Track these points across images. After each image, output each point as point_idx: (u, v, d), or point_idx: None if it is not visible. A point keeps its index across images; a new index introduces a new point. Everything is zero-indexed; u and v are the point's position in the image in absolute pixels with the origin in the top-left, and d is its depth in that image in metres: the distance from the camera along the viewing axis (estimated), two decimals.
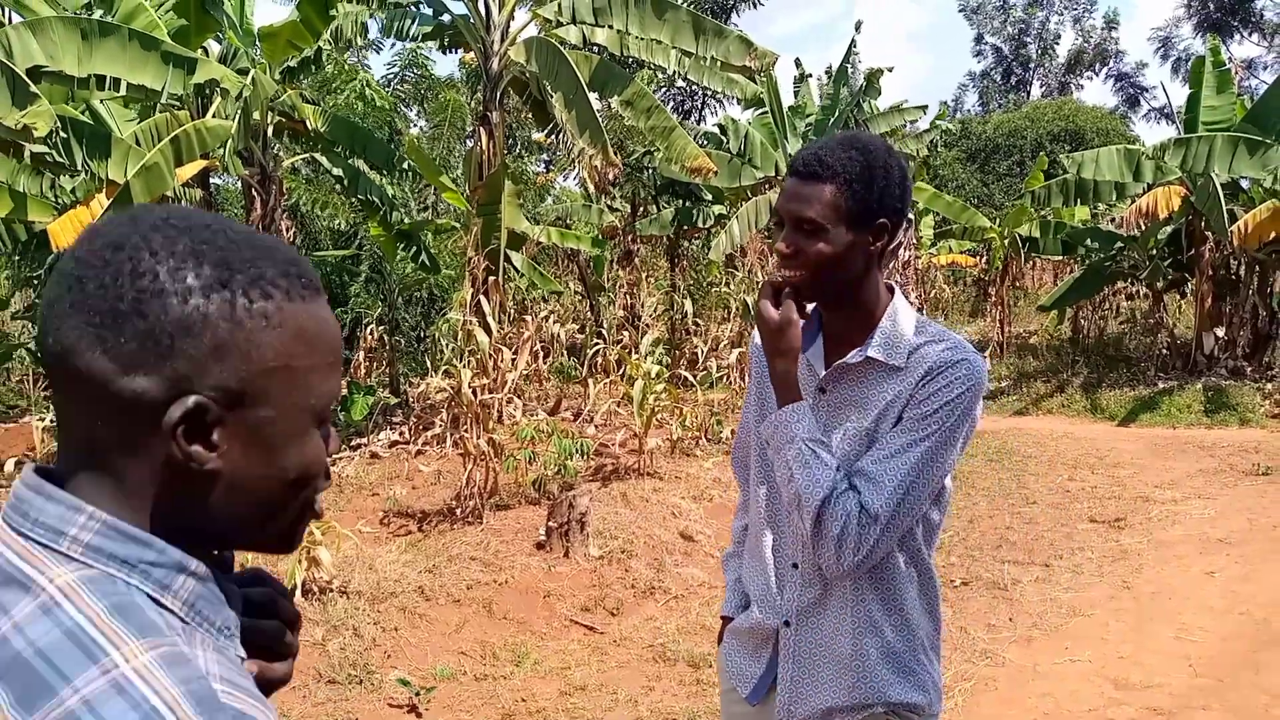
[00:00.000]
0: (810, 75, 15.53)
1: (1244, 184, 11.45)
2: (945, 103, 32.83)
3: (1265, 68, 31.30)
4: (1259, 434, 9.42)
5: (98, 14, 7.27)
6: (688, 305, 12.83)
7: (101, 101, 8.34)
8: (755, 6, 20.30)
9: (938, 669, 1.82)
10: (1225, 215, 10.24)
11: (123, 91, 7.07)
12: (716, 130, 13.62)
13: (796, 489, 1.65)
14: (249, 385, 0.75)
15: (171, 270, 0.72)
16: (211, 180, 9.55)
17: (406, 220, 10.48)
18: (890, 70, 13.87)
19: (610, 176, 9.80)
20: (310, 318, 0.78)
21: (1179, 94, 12.16)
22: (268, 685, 0.90)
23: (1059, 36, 39.07)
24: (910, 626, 1.76)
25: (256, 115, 8.24)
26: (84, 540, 0.72)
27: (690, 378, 9.74)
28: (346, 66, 12.45)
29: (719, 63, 8.80)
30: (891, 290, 1.77)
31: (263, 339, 0.75)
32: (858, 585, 1.74)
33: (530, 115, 11.31)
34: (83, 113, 7.97)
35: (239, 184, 10.04)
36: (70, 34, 6.61)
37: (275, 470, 0.78)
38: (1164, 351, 12.64)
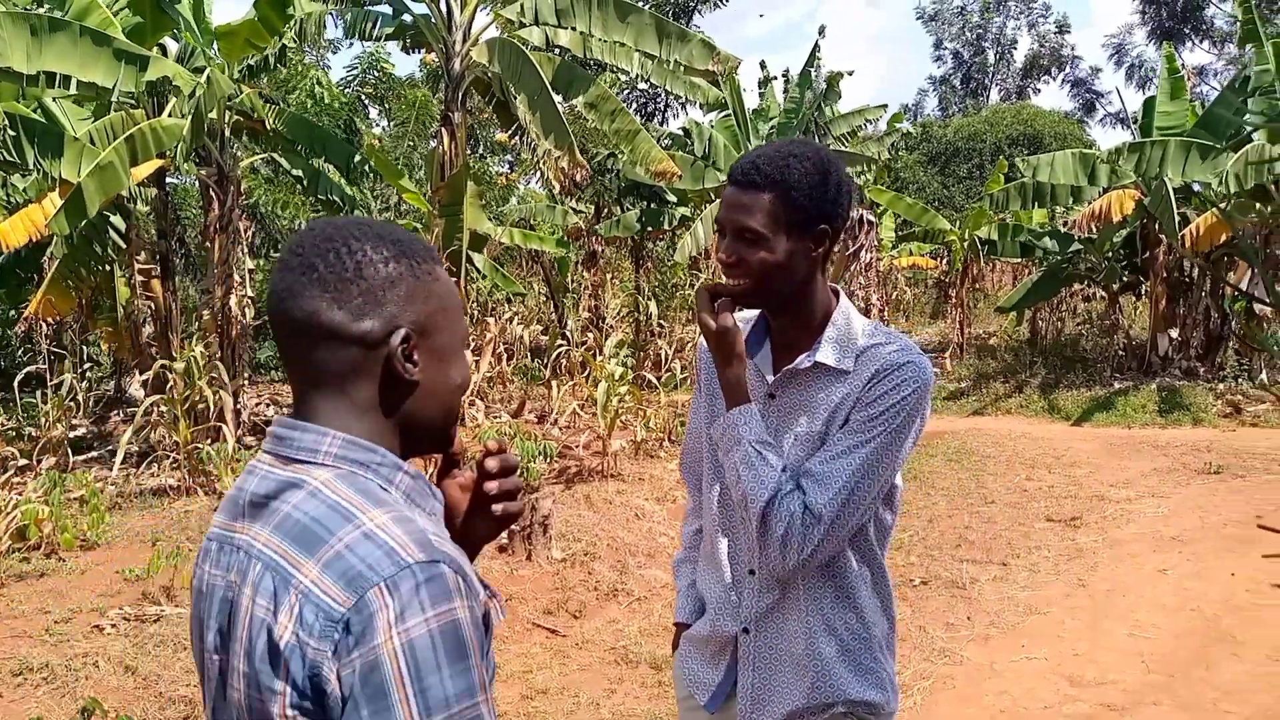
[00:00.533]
0: (774, 78, 15.62)
1: (1196, 188, 11.67)
2: (906, 105, 33.13)
3: (1216, 75, 31.95)
4: (1211, 433, 9.61)
5: (47, 9, 7.12)
6: (652, 307, 12.84)
7: (54, 100, 8.18)
8: (715, 7, 20.30)
9: (893, 667, 1.84)
10: (1177, 219, 10.43)
11: (73, 89, 6.93)
12: (680, 133, 13.64)
13: (743, 490, 1.67)
14: (429, 320, 1.09)
15: (373, 247, 1.07)
16: (168, 180, 9.39)
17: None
18: (851, 74, 13.98)
19: (576, 178, 9.80)
20: (446, 275, 1.14)
21: (1134, 99, 12.37)
22: (506, 519, 1.26)
23: (1015, 41, 39.65)
24: (866, 625, 1.77)
25: (214, 114, 8.13)
26: (333, 452, 1.04)
27: (654, 379, 9.75)
28: (301, 66, 12.31)
29: (682, 66, 8.81)
30: (837, 294, 1.78)
31: (431, 288, 1.10)
32: (813, 586, 1.75)
33: (494, 115, 11.28)
34: (35, 111, 7.82)
35: (196, 184, 9.89)
36: (19, 30, 6.47)
37: (448, 378, 1.12)
38: (1120, 353, 12.87)
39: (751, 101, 14.32)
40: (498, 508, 1.24)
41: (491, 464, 1.25)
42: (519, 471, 1.31)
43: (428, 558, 0.94)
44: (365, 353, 1.05)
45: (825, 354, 1.72)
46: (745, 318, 1.86)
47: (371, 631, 0.90)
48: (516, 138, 10.16)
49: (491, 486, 1.24)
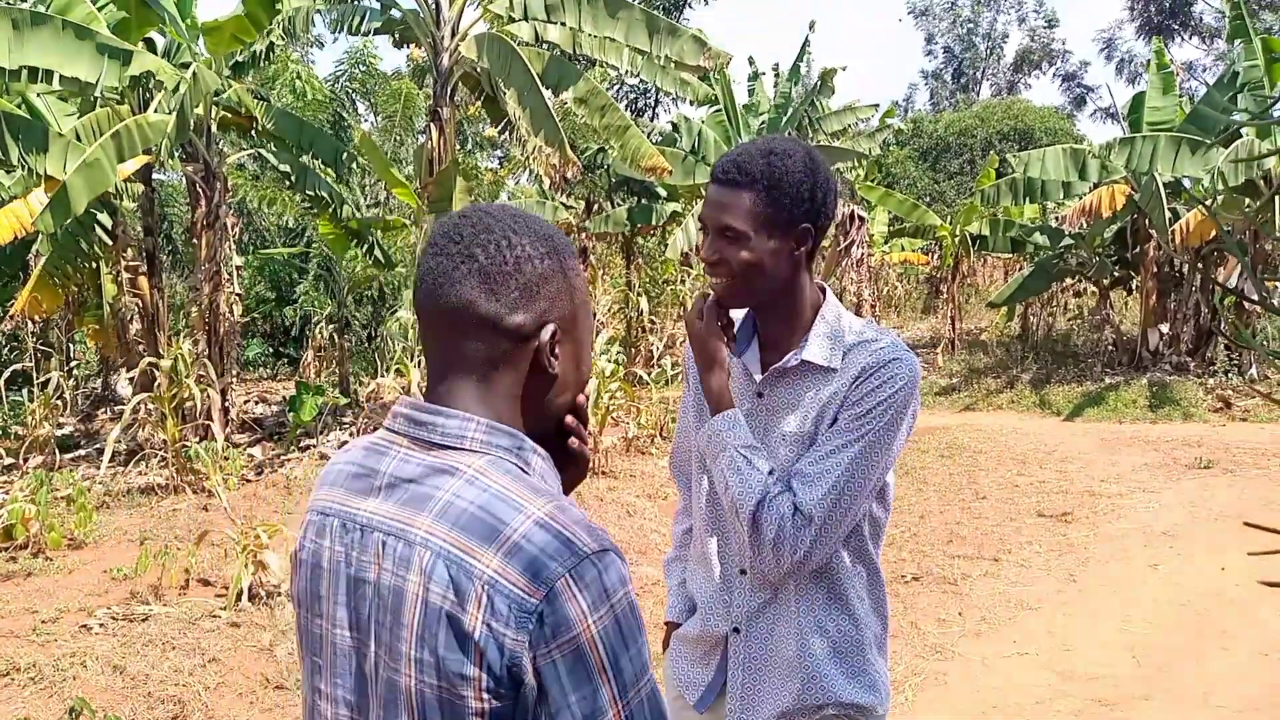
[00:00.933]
0: (764, 73, 15.59)
1: (1186, 183, 11.70)
2: (896, 101, 33.15)
3: (1204, 70, 32.06)
4: (1201, 428, 9.64)
5: (29, 3, 7.05)
6: (643, 303, 12.83)
7: (39, 96, 8.12)
8: (706, 3, 20.28)
9: (885, 668, 1.82)
10: (1168, 214, 10.46)
11: (56, 84, 6.87)
12: (670, 128, 13.62)
13: (732, 496, 1.66)
14: (573, 316, 1.14)
15: (529, 243, 1.10)
16: (154, 176, 9.33)
17: (356, 217, 10.34)
18: (843, 69, 13.97)
19: (567, 174, 9.76)
20: (584, 272, 1.19)
21: (1124, 94, 12.41)
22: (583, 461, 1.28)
23: (1006, 36, 39.73)
24: (858, 626, 1.76)
25: (199, 110, 8.07)
26: (479, 438, 1.07)
27: (645, 376, 9.73)
28: (289, 61, 12.25)
29: (672, 62, 8.77)
30: (825, 292, 1.77)
31: (576, 283, 1.15)
32: (805, 587, 1.73)
33: (483, 111, 11.23)
34: (19, 106, 7.75)
35: (183, 180, 9.83)
36: (0, 24, 6.41)
37: (580, 374, 1.18)
38: (1110, 348, 12.90)
39: (741, 98, 14.29)
40: (574, 443, 1.27)
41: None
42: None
43: (600, 546, 1.00)
44: (515, 345, 1.09)
45: (812, 352, 1.70)
46: (733, 316, 1.85)
47: (568, 623, 0.96)
48: (506, 133, 10.11)
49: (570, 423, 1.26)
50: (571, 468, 1.27)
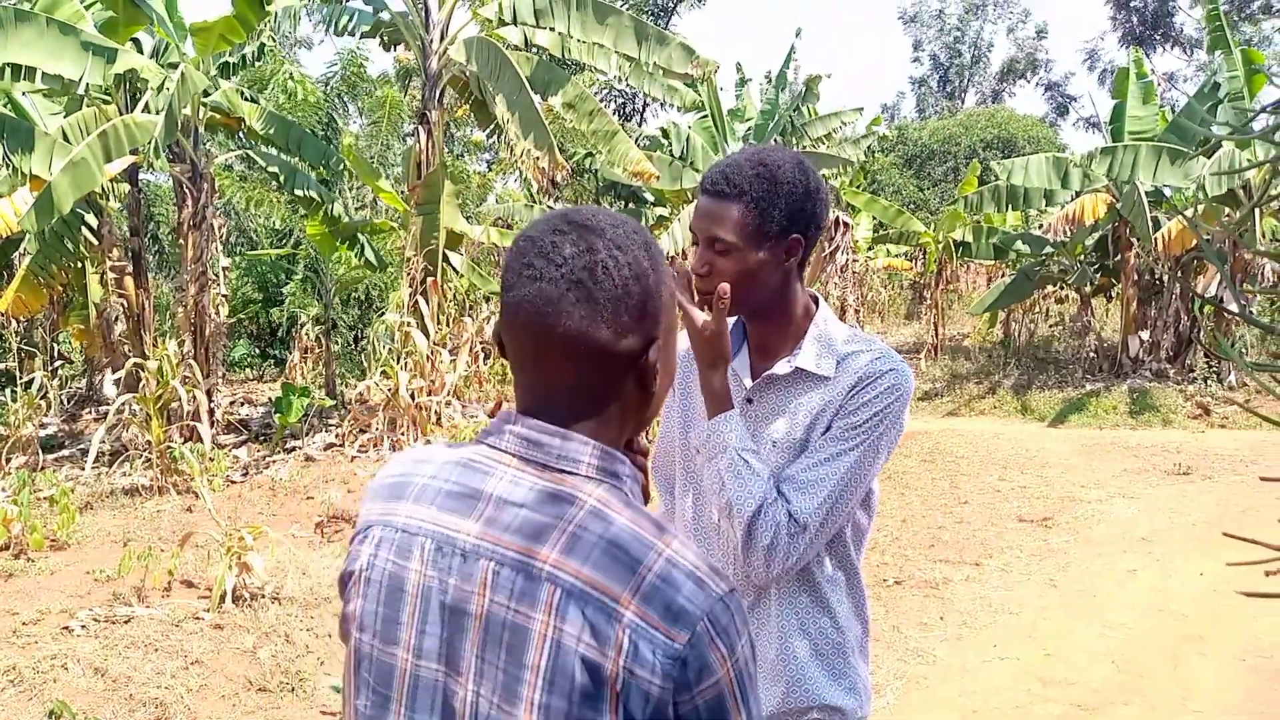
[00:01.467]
0: (750, 79, 15.65)
1: (1167, 192, 11.82)
2: (885, 105, 33.28)
3: (1185, 80, 32.37)
4: (1180, 435, 9.74)
5: (14, 1, 7.03)
6: None
7: (24, 95, 8.08)
8: (693, 7, 20.32)
9: (867, 671, 1.84)
10: (1149, 222, 10.57)
11: (39, 82, 6.84)
12: (658, 134, 13.66)
13: (728, 498, 1.65)
14: (670, 326, 1.10)
15: (634, 259, 1.04)
16: (141, 176, 9.29)
17: (345, 217, 10.33)
18: (828, 76, 14.05)
19: (556, 178, 9.74)
20: None
21: (1107, 105, 12.52)
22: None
23: (992, 45, 39.98)
24: (840, 629, 1.77)
25: (187, 110, 8.05)
26: (594, 464, 1.03)
27: None
28: (276, 61, 12.22)
29: (660, 69, 8.81)
30: (817, 300, 1.77)
31: (671, 291, 1.10)
32: (787, 591, 1.74)
33: (471, 114, 11.23)
34: (4, 106, 7.72)
35: (170, 180, 9.80)
36: None
37: (670, 381, 1.13)
38: (1091, 354, 13.01)
39: (728, 103, 14.35)
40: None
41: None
42: None
43: (729, 586, 0.98)
44: (624, 368, 1.05)
45: (806, 359, 1.70)
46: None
47: (710, 667, 0.95)
48: (494, 137, 10.13)
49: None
50: None
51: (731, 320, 1.83)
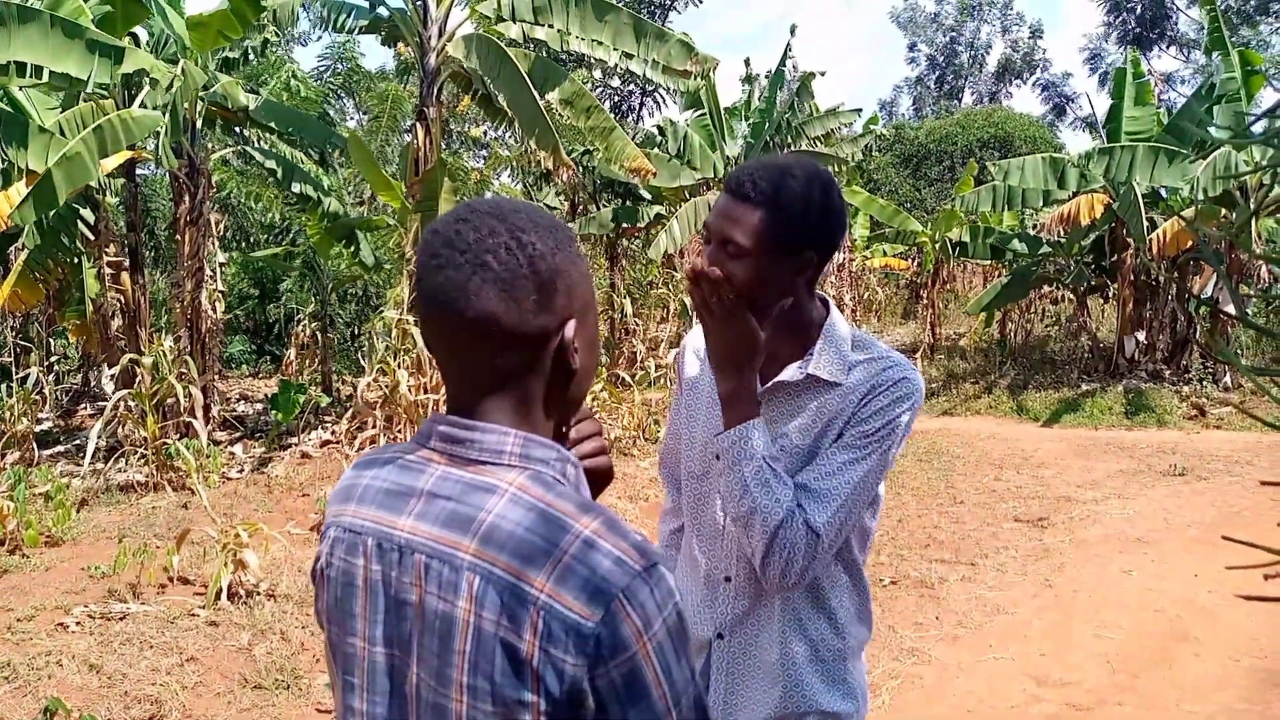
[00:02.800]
0: (757, 77, 15.64)
1: (1163, 193, 11.84)
2: (882, 102, 33.25)
3: (1183, 81, 32.41)
4: (1175, 435, 9.76)
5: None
6: (627, 305, 12.84)
7: (21, 89, 8.06)
8: (689, 5, 20.30)
9: (864, 673, 1.85)
10: (1145, 223, 10.58)
11: (44, 79, 6.83)
12: (655, 131, 13.65)
13: (753, 506, 1.62)
14: (585, 305, 1.10)
15: (538, 239, 1.05)
16: (138, 171, 9.27)
17: (343, 211, 10.31)
18: (823, 74, 14.04)
19: (563, 177, 9.69)
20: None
21: (1104, 105, 12.52)
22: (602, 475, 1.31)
23: (990, 45, 39.99)
24: (841, 633, 1.77)
25: (186, 105, 8.03)
26: (516, 452, 1.05)
27: (628, 378, 9.75)
28: (274, 58, 12.20)
29: (659, 66, 8.80)
30: (827, 305, 1.75)
31: (582, 268, 1.11)
32: (790, 595, 1.74)
33: (469, 110, 11.21)
34: (1, 100, 7.69)
35: (165, 175, 9.77)
36: None
37: (594, 359, 1.14)
38: (1087, 355, 13.03)
39: (727, 100, 14.34)
40: (586, 452, 1.29)
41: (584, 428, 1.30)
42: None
43: (649, 562, 0.99)
44: (540, 348, 1.06)
45: (817, 366, 1.68)
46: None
47: (624, 642, 0.96)
48: (493, 133, 10.11)
49: (579, 428, 1.29)
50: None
51: None
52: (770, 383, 1.72)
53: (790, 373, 1.70)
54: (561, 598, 0.96)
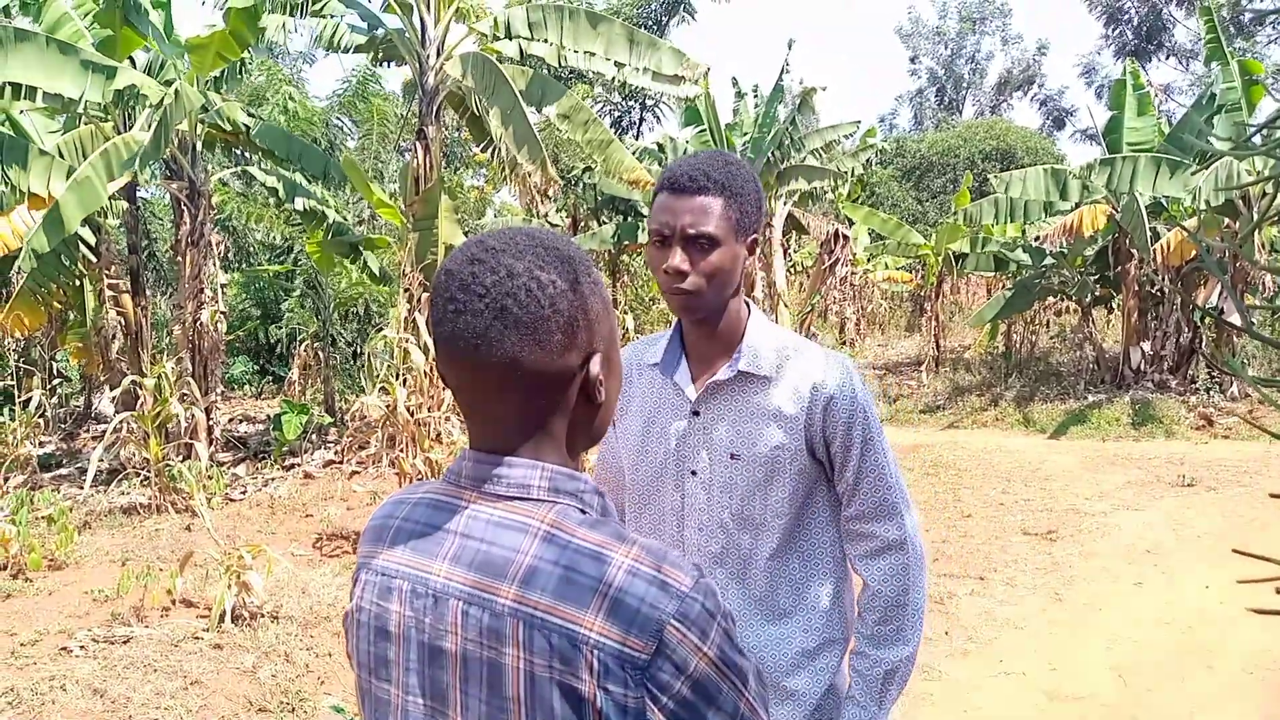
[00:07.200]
0: (747, 93, 15.68)
1: (1165, 203, 11.82)
2: (882, 117, 33.35)
3: (1181, 91, 32.47)
4: (1183, 446, 9.70)
5: (17, 20, 7.05)
6: (629, 320, 12.84)
7: (22, 112, 8.09)
8: (683, 21, 20.36)
9: (837, 670, 1.84)
10: (1149, 233, 10.56)
11: (39, 101, 6.85)
12: (655, 147, 13.67)
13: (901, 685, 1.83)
14: (608, 337, 1.08)
15: (558, 273, 1.02)
16: (138, 193, 9.29)
17: (344, 234, 10.32)
18: (824, 89, 14.07)
19: (549, 192, 9.69)
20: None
21: (1103, 117, 12.51)
22: None
23: (991, 57, 40.13)
24: (828, 630, 1.78)
25: (183, 127, 8.05)
26: (545, 486, 1.03)
27: None
28: (277, 78, 12.24)
29: (651, 73, 8.84)
30: (747, 304, 1.79)
31: (604, 297, 1.08)
32: (769, 594, 1.75)
33: (464, 129, 11.24)
34: (2, 123, 7.72)
35: (166, 196, 9.79)
36: None
37: (617, 387, 1.12)
38: (1093, 366, 12.98)
39: (726, 116, 14.38)
40: None
41: None
42: None
43: (693, 578, 0.98)
44: (565, 385, 1.04)
45: (748, 362, 1.72)
46: (655, 338, 1.85)
47: (684, 661, 0.95)
48: (490, 152, 10.11)
49: None
50: None
51: (665, 334, 1.82)
52: (704, 385, 1.75)
53: (721, 373, 1.74)
54: (611, 633, 0.94)
